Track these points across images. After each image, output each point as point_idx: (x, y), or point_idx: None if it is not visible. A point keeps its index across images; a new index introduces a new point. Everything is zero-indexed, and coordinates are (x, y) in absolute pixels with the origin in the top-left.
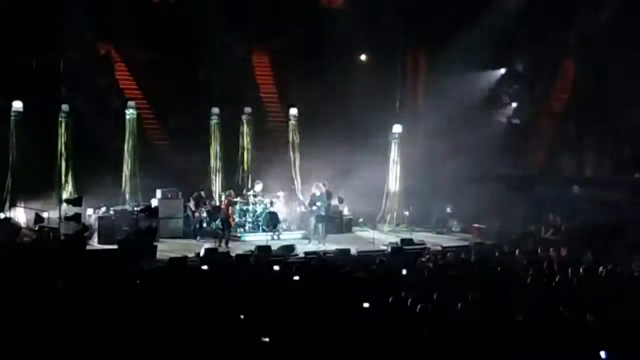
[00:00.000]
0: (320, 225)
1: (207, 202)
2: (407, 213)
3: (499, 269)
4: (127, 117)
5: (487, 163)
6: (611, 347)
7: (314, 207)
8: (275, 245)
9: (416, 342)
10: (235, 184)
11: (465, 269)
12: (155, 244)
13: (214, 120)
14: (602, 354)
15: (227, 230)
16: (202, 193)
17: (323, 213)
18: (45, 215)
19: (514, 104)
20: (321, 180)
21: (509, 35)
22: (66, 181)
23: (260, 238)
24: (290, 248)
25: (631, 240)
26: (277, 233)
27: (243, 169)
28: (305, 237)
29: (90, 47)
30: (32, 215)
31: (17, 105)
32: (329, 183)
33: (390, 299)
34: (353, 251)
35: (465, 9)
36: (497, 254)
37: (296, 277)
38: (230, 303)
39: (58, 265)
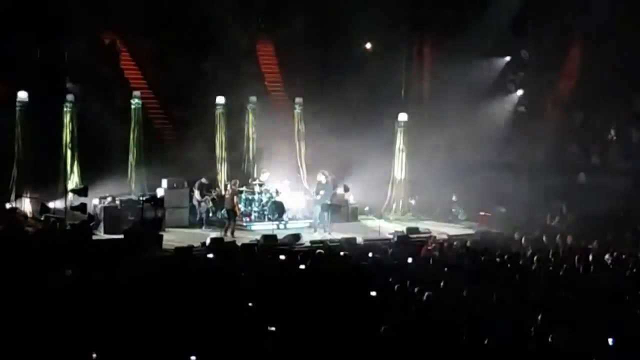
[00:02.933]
0: (326, 214)
1: (210, 190)
2: (412, 202)
3: (505, 257)
4: (133, 107)
5: (493, 151)
6: (618, 334)
7: (318, 196)
8: (281, 235)
9: (422, 330)
10: (241, 174)
11: (471, 257)
12: (161, 233)
13: (219, 110)
14: (610, 340)
15: (232, 220)
16: (203, 180)
17: (329, 202)
18: (51, 205)
19: (520, 92)
20: (326, 169)
21: (515, 22)
22: (72, 171)
23: (266, 227)
24: (296, 237)
25: (638, 228)
26: (283, 222)
27: (248, 159)
28: (311, 226)
29: (95, 36)
30: (38, 206)
31: (22, 95)
32: (333, 172)
33: (396, 288)
34: (359, 240)
35: None
36: (502, 242)
37: (302, 266)
38: (236, 292)
39: (64, 255)
